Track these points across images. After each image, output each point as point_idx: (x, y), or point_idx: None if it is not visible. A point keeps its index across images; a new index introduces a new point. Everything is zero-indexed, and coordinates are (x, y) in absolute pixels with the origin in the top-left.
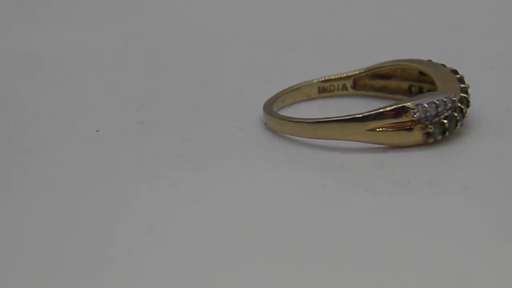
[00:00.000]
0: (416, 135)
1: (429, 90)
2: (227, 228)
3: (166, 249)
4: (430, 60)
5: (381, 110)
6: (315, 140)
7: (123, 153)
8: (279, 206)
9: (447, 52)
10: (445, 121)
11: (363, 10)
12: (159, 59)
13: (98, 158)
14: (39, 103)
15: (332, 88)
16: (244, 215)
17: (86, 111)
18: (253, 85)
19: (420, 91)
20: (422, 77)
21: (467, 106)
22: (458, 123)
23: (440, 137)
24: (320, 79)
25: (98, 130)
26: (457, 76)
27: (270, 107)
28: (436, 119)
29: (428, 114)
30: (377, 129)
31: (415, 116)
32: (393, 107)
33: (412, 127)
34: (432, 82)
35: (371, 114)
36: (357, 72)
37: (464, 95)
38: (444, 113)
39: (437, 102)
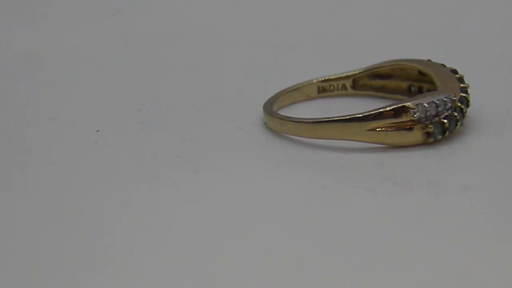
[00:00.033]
0: (416, 135)
1: (428, 90)
2: (227, 228)
3: (166, 249)
4: (429, 60)
5: (381, 110)
6: (315, 140)
7: (123, 153)
8: (279, 206)
9: (447, 52)
10: (445, 120)
11: (363, 10)
12: (159, 59)
13: (98, 158)
14: (39, 103)
15: (331, 88)
16: (244, 215)
17: (86, 111)
18: (253, 85)
19: (420, 91)
20: (422, 77)
21: (467, 105)
22: (458, 123)
23: (440, 136)
24: (320, 79)
25: (98, 131)
26: (457, 75)
27: (270, 107)
28: (436, 118)
29: (428, 113)
30: (377, 129)
31: (415, 115)
32: (393, 107)
33: (412, 126)
34: (431, 82)
35: (371, 114)
36: (356, 72)
37: (464, 94)
38: (444, 112)
39: (437, 102)
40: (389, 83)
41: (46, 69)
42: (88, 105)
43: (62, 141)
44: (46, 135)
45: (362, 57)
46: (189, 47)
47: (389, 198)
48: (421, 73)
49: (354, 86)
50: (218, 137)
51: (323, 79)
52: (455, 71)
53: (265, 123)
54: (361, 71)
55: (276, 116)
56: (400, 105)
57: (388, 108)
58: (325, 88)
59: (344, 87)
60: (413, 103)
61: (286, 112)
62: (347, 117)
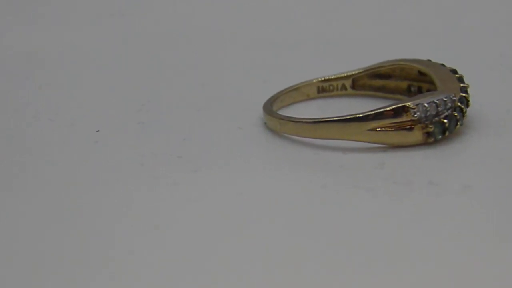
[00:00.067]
0: (417, 135)
1: (428, 90)
2: (227, 228)
3: (166, 249)
4: (429, 60)
5: (382, 109)
6: (315, 140)
7: (123, 153)
8: (279, 206)
9: (447, 52)
10: (445, 120)
11: (363, 10)
12: (159, 59)
13: (98, 158)
14: (39, 103)
15: (331, 88)
16: (244, 215)
17: (86, 111)
18: (253, 85)
19: (419, 90)
20: (421, 76)
21: (467, 105)
22: (458, 123)
23: (440, 136)
24: (320, 79)
25: (98, 131)
26: (457, 75)
27: (270, 107)
28: (436, 118)
29: (428, 113)
30: (377, 129)
31: (415, 115)
32: (393, 106)
33: (413, 126)
34: (431, 82)
35: (371, 114)
36: (356, 72)
37: (464, 94)
38: (444, 112)
39: (437, 102)
40: (389, 83)
41: (46, 69)
42: (88, 105)
43: (62, 141)
44: (46, 135)
45: (362, 57)
46: (189, 47)
47: (389, 198)
48: (420, 73)
49: (353, 86)
50: (218, 137)
51: (322, 79)
52: (454, 71)
53: (265, 123)
54: (360, 71)
55: (276, 116)
56: (400, 105)
57: (388, 108)
58: (325, 88)
59: (343, 87)
60: (413, 103)
61: (285, 112)
62: (347, 117)
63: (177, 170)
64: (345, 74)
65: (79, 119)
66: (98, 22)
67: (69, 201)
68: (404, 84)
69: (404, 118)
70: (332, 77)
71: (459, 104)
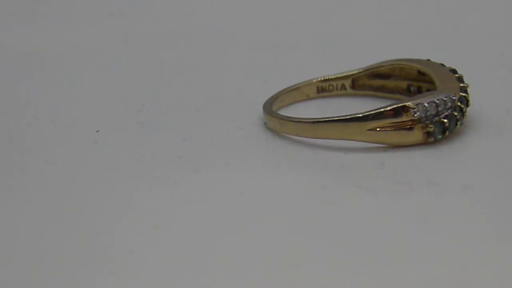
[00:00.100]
0: (417, 135)
1: (428, 90)
2: (227, 228)
3: (166, 249)
4: (428, 60)
5: (382, 109)
6: (315, 140)
7: (123, 153)
8: (279, 206)
9: (447, 52)
10: (445, 120)
11: (363, 10)
12: (159, 59)
13: (98, 158)
14: (39, 103)
15: (331, 88)
16: (244, 215)
17: (86, 111)
18: (253, 85)
19: (419, 90)
20: (421, 76)
21: (467, 105)
22: (458, 122)
23: (440, 136)
24: (319, 79)
25: (98, 131)
26: (456, 75)
27: (269, 107)
28: (436, 118)
29: (428, 113)
30: (377, 129)
31: (415, 115)
32: (393, 106)
33: (413, 126)
34: (431, 82)
35: (371, 114)
36: (355, 72)
37: (463, 94)
38: (444, 112)
39: (437, 102)
40: (389, 83)
41: (46, 69)
42: (88, 105)
43: (62, 141)
44: (46, 135)
45: (362, 57)
46: (189, 47)
47: (389, 198)
48: (420, 72)
49: (353, 86)
50: (218, 137)
51: (322, 79)
52: (454, 71)
53: (265, 123)
54: (360, 71)
55: (276, 116)
56: (400, 104)
57: (388, 108)
58: (324, 88)
59: (343, 87)
60: (413, 103)
61: (285, 112)
62: (347, 117)
63: (177, 170)
64: (345, 74)
65: (79, 119)
66: (98, 22)
67: (69, 201)
68: (403, 84)
69: (404, 118)
70: (332, 77)
71: (459, 103)
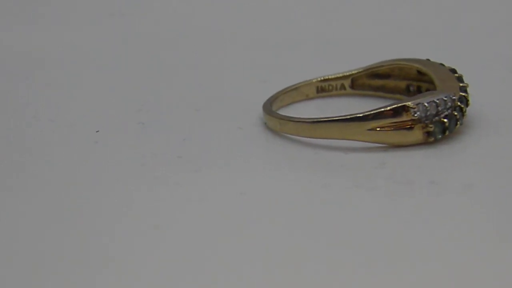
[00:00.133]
0: (417, 134)
1: (427, 89)
2: (227, 228)
3: (166, 249)
4: (428, 59)
5: (382, 109)
6: (315, 139)
7: (123, 153)
8: (279, 206)
9: (447, 52)
10: (445, 120)
11: (363, 10)
12: (159, 59)
13: (98, 158)
14: (39, 103)
15: (330, 87)
16: (244, 215)
17: (86, 111)
18: (253, 85)
19: (419, 90)
20: (421, 76)
21: (467, 105)
22: (458, 122)
23: (440, 136)
24: (319, 79)
25: (98, 131)
26: (456, 75)
27: (269, 107)
28: (436, 118)
29: (428, 113)
30: (378, 129)
31: (415, 115)
32: (393, 106)
33: (413, 126)
34: (430, 81)
35: (371, 114)
36: (355, 72)
37: (463, 94)
38: (444, 112)
39: (437, 101)
40: (388, 83)
41: (46, 69)
42: (88, 105)
43: (62, 141)
44: (46, 135)
45: (362, 57)
46: (189, 47)
47: (390, 198)
48: (420, 72)
49: (352, 86)
50: (218, 137)
51: (322, 78)
52: (454, 71)
53: (265, 123)
54: (359, 70)
55: (276, 116)
56: (400, 104)
57: (388, 108)
58: (324, 88)
59: (342, 86)
60: (414, 103)
61: (285, 112)
62: (348, 117)
63: (177, 170)
64: (344, 74)
65: (79, 119)
66: (98, 22)
67: (69, 201)
68: (403, 84)
69: (404, 118)
70: (331, 77)
71: (459, 103)
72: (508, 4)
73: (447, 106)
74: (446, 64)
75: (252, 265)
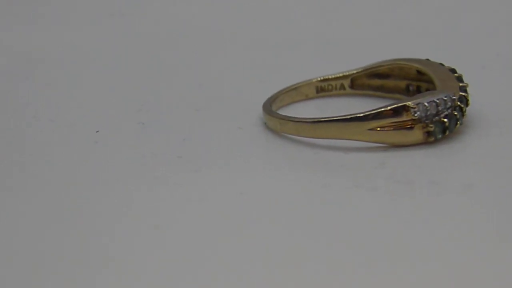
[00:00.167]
0: (417, 134)
1: (427, 89)
2: (227, 228)
3: (166, 249)
4: (427, 59)
5: (382, 109)
6: (315, 139)
7: (123, 153)
8: (279, 206)
9: (447, 52)
10: (445, 120)
11: (363, 10)
12: (159, 59)
13: (98, 158)
14: (39, 103)
15: (330, 87)
16: (244, 215)
17: (86, 111)
18: (253, 85)
19: (418, 90)
20: (420, 76)
21: (467, 104)
22: (458, 122)
23: (440, 136)
24: (318, 79)
25: (97, 131)
26: (456, 75)
27: (269, 107)
28: (437, 118)
29: (428, 113)
30: (378, 128)
31: (415, 115)
32: (394, 106)
33: (413, 126)
34: (430, 81)
35: (372, 114)
36: (354, 72)
37: (463, 93)
38: (444, 112)
39: (437, 101)
40: (388, 83)
41: (46, 69)
42: (88, 105)
43: (62, 141)
44: (46, 135)
45: (362, 57)
46: (189, 47)
47: (390, 198)
48: (419, 72)
49: (352, 86)
50: (218, 137)
51: (321, 78)
52: (453, 70)
53: (265, 123)
54: (359, 70)
55: (276, 116)
56: (400, 104)
57: (388, 108)
58: (324, 88)
59: (342, 86)
60: (414, 102)
61: (285, 112)
62: (348, 117)
63: (177, 170)
64: (344, 74)
65: (79, 119)
66: (98, 22)
67: (69, 201)
68: (402, 84)
69: (404, 118)
70: (331, 77)
71: (459, 103)
72: (508, 4)
73: (447, 106)
74: (446, 64)
75: (252, 265)
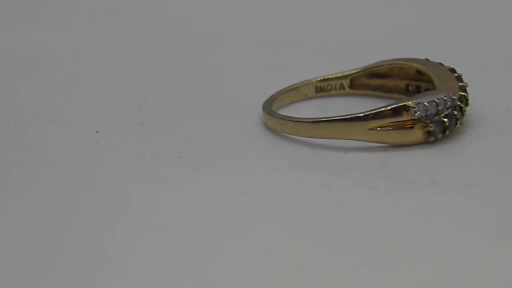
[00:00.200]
0: (417, 134)
1: (426, 89)
2: (227, 228)
3: (166, 249)
4: (427, 59)
5: (382, 109)
6: (315, 139)
7: (123, 153)
8: (279, 206)
9: (447, 52)
10: (445, 119)
11: (363, 10)
12: (159, 59)
13: (98, 158)
14: (39, 103)
15: (329, 87)
16: (244, 215)
17: (86, 111)
18: (253, 85)
19: (418, 90)
20: (420, 76)
21: (466, 104)
22: (458, 122)
23: (440, 135)
24: (318, 79)
25: (97, 131)
26: (455, 74)
27: (269, 107)
28: (437, 117)
29: (428, 112)
30: (378, 128)
31: (416, 114)
32: (394, 106)
33: (413, 125)
34: (429, 81)
35: (372, 113)
36: (354, 72)
37: (463, 93)
38: (444, 111)
39: (437, 101)
40: (387, 82)
41: (46, 69)
42: (88, 105)
43: (62, 141)
44: (46, 135)
45: (361, 57)
46: (189, 47)
47: (390, 198)
48: (419, 72)
49: (351, 86)
50: (218, 137)
51: (321, 78)
52: (453, 70)
53: (265, 123)
54: (359, 70)
55: (276, 116)
56: (400, 104)
57: (389, 107)
58: (323, 88)
59: (342, 86)
60: (414, 102)
61: (284, 112)
62: (348, 117)
63: (177, 170)
64: (343, 74)
65: (79, 119)
66: (98, 22)
67: (69, 201)
68: (402, 84)
69: (404, 117)
70: (330, 77)
71: (458, 103)
72: (508, 4)
73: (447, 106)
74: (446, 64)
75: (252, 265)
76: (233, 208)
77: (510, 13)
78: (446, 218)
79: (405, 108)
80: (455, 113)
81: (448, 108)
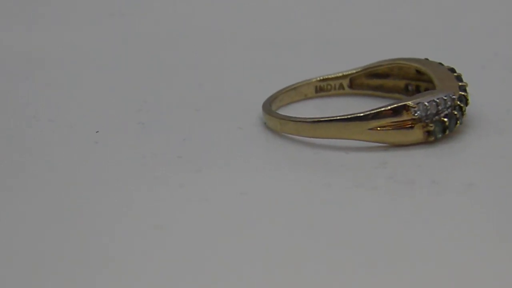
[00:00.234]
0: (417, 134)
1: (426, 89)
2: (227, 228)
3: (166, 249)
4: (427, 59)
5: (382, 109)
6: (315, 139)
7: (123, 153)
8: (279, 206)
9: (447, 52)
10: (445, 119)
11: (363, 10)
12: (159, 59)
13: (98, 158)
14: (39, 103)
15: (329, 87)
16: (244, 215)
17: (86, 111)
18: (253, 85)
19: (417, 89)
20: (419, 75)
21: (466, 104)
22: (458, 121)
23: (440, 135)
24: (317, 78)
25: (97, 132)
26: (455, 74)
27: (269, 107)
28: (437, 117)
29: (428, 112)
30: (378, 128)
31: (416, 114)
32: (394, 105)
33: (413, 125)
34: (429, 81)
35: (372, 113)
36: (354, 71)
37: (463, 93)
38: (444, 111)
39: (437, 101)
40: (387, 82)
41: (46, 69)
42: (88, 105)
43: (62, 141)
44: (46, 135)
45: (361, 57)
46: (189, 47)
47: (390, 198)
48: (418, 72)
49: (351, 86)
50: (218, 137)
51: (320, 78)
52: (453, 70)
53: (265, 123)
54: (358, 70)
55: (276, 115)
56: (400, 104)
57: (389, 107)
58: (323, 88)
59: (341, 86)
60: (414, 102)
61: (284, 112)
62: (348, 117)
63: (177, 170)
64: (343, 74)
65: (79, 119)
66: (98, 22)
67: (69, 201)
68: (401, 83)
69: (404, 117)
70: (330, 77)
71: (458, 102)
72: (508, 4)
73: (447, 105)
74: (445, 64)
75: (252, 265)
76: (233, 208)
77: (510, 13)
78: (446, 218)
79: (405, 108)
80: (455, 112)
81: (448, 108)
